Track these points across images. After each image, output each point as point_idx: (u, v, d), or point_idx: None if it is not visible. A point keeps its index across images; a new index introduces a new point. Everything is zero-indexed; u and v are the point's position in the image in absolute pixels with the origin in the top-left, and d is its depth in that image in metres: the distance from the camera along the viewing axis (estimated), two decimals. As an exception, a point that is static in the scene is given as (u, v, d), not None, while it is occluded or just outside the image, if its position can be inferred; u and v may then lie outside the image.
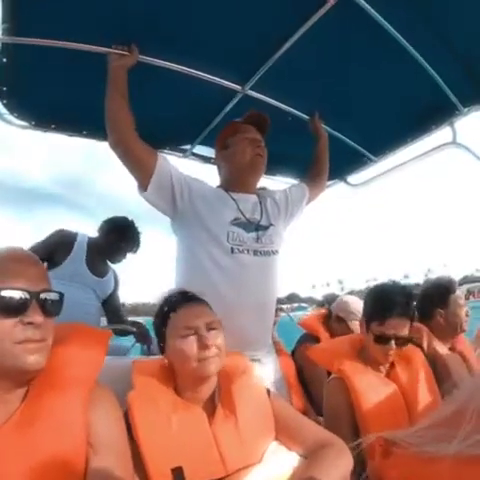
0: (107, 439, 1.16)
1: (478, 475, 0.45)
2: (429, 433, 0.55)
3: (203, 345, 1.42)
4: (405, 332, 1.89)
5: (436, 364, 2.17)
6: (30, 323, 1.06)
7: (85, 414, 1.14)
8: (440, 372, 2.11)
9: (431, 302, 2.48)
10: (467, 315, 2.43)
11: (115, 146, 1.92)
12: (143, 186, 1.96)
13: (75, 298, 3.02)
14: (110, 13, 1.80)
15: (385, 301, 1.92)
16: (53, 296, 1.15)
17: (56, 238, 3.13)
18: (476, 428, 0.47)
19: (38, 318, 1.07)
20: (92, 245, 3.22)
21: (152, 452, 1.29)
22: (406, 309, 1.89)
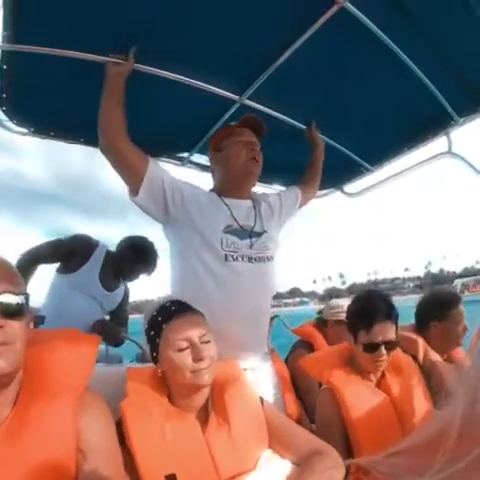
0: (97, 445, 1.16)
1: None
2: (404, 461, 0.54)
3: (198, 357, 1.43)
4: (392, 336, 1.90)
5: (432, 375, 2.16)
6: None
7: (75, 420, 1.14)
8: (436, 384, 2.10)
9: (428, 314, 2.47)
10: (464, 330, 2.41)
11: (106, 150, 1.91)
12: (134, 191, 1.94)
13: (80, 307, 3.02)
14: (109, 22, 1.81)
15: (367, 309, 1.94)
16: (14, 299, 1.11)
17: (78, 243, 3.10)
18: (449, 461, 0.46)
19: None
20: (108, 259, 3.17)
21: (145, 460, 1.30)
22: (389, 313, 1.92)
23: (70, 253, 3.03)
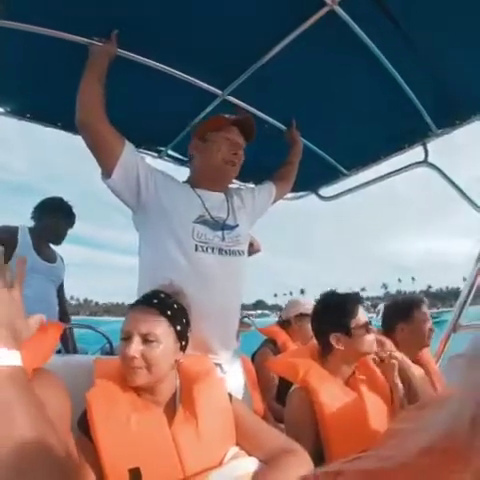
0: None
1: None
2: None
3: (125, 353, 1.38)
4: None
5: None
6: None
7: None
8: (405, 385, 2.12)
9: (394, 317, 2.53)
10: (431, 330, 2.45)
11: (83, 127, 1.87)
12: (107, 172, 1.90)
13: (40, 291, 2.98)
14: (94, 4, 1.78)
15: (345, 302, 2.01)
16: None
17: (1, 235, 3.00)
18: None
19: None
20: (34, 233, 3.16)
21: (109, 452, 1.26)
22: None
23: None
